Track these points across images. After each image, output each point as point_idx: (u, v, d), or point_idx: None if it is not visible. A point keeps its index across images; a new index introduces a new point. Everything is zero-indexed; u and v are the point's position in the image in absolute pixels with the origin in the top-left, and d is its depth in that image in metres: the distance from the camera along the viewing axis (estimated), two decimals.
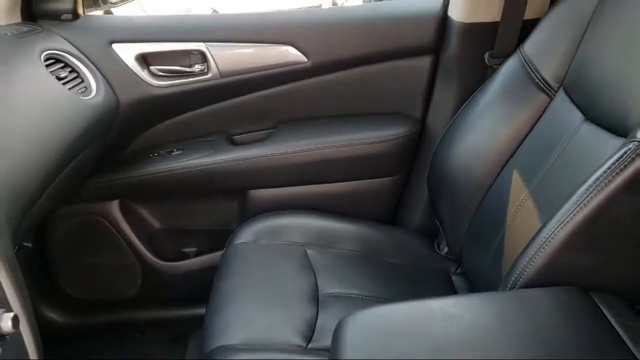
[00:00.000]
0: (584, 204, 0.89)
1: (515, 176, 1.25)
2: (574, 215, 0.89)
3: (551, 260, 0.91)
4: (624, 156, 0.86)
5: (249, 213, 1.58)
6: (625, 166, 0.86)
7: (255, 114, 1.62)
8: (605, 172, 0.88)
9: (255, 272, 1.32)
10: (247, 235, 1.45)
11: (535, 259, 0.91)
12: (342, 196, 1.62)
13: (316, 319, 1.18)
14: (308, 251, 1.41)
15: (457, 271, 1.44)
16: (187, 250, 1.74)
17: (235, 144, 1.63)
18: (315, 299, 1.24)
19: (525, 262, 0.92)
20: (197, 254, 1.71)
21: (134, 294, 1.70)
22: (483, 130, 1.36)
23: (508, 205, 1.19)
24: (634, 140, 0.87)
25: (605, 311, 0.83)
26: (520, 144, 1.28)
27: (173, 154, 1.61)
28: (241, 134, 1.65)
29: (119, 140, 1.56)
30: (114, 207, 1.63)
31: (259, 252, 1.40)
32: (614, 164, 0.87)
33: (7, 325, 0.79)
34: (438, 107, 1.57)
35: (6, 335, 0.80)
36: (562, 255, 0.90)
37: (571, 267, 0.91)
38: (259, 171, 1.58)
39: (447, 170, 1.41)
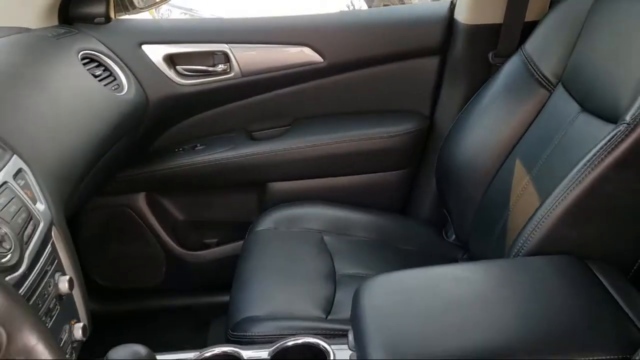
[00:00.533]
0: (578, 182, 0.98)
1: (518, 165, 1.34)
2: (569, 192, 0.99)
3: (549, 234, 1.00)
4: (614, 138, 0.96)
5: (268, 205, 1.67)
6: (615, 146, 0.96)
7: (273, 111, 1.72)
8: (597, 152, 0.97)
9: (276, 255, 1.41)
10: (267, 223, 1.55)
11: (534, 233, 1.01)
12: (355, 188, 1.71)
13: (334, 295, 1.27)
14: (325, 237, 1.50)
15: (464, 257, 1.52)
16: (208, 241, 1.83)
17: (254, 139, 1.73)
18: (333, 278, 1.33)
19: (525, 236, 1.02)
20: (217, 244, 1.81)
21: (158, 282, 1.80)
22: (487, 125, 1.45)
23: (511, 192, 1.28)
24: (623, 123, 0.96)
25: (599, 276, 0.92)
26: (522, 135, 1.36)
27: (196, 149, 1.71)
28: (260, 130, 1.75)
29: (147, 136, 1.66)
30: (141, 199, 1.73)
31: (278, 238, 1.49)
32: (604, 145, 0.97)
33: (64, 286, 0.89)
34: (445, 104, 1.66)
35: (63, 295, 0.91)
36: (559, 229, 1.00)
37: (568, 239, 1.00)
38: (276, 165, 1.68)
39: (453, 162, 1.50)
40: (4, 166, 0.90)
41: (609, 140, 0.97)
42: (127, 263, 1.79)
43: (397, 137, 1.66)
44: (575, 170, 0.99)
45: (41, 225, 0.89)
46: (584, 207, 0.99)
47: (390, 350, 0.80)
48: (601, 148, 0.97)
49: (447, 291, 0.90)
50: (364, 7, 3.00)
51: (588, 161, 0.98)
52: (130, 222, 1.74)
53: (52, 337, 0.59)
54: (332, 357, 0.97)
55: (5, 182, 0.87)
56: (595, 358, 0.74)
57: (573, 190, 0.99)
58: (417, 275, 0.97)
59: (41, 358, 0.56)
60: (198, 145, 1.72)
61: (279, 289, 1.27)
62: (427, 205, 1.71)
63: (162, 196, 1.76)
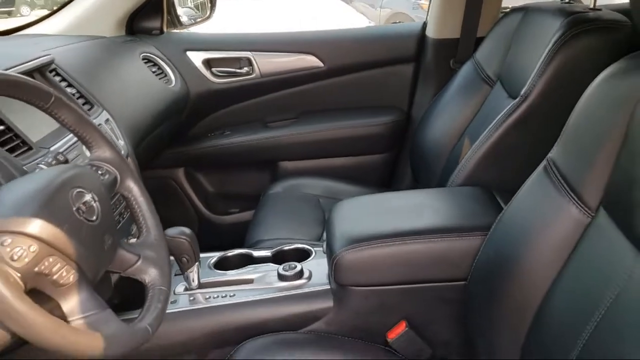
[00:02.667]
0: (489, 137, 1.38)
1: (466, 141, 1.72)
2: (483, 144, 1.39)
3: (469, 174, 1.40)
4: (512, 106, 1.36)
5: (278, 179, 2.08)
6: (513, 111, 1.36)
7: (284, 105, 2.14)
8: (501, 116, 1.37)
9: (282, 208, 1.81)
10: (276, 189, 1.96)
11: (459, 174, 1.41)
12: (348, 167, 2.11)
13: (322, 234, 1.67)
14: (320, 200, 1.90)
15: None
16: (231, 210, 2.24)
17: (268, 127, 2.15)
18: (323, 222, 1.73)
19: (454, 176, 1.42)
20: (238, 211, 2.21)
21: None
22: (448, 114, 1.84)
23: (460, 157, 1.67)
24: (519, 97, 1.36)
25: (497, 197, 1.30)
26: (472, 120, 1.75)
27: (224, 134, 2.14)
28: (273, 120, 2.17)
29: (187, 122, 2.09)
30: (181, 173, 2.16)
31: (285, 198, 1.90)
32: (506, 111, 1.37)
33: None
34: (419, 101, 2.07)
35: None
36: (475, 170, 1.39)
37: (482, 178, 1.39)
38: (286, 147, 2.10)
39: (423, 144, 1.89)
40: (98, 115, 1.33)
41: (510, 109, 1.37)
42: (168, 224, 2.20)
43: (381, 126, 2.07)
44: (487, 129, 1.40)
45: (122, 152, 1.31)
46: (493, 154, 1.38)
47: (345, 237, 1.19)
48: (505, 114, 1.38)
49: (392, 203, 1.30)
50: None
51: (496, 123, 1.38)
52: (172, 191, 2.16)
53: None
54: (313, 254, 1.36)
55: (100, 124, 1.30)
56: (468, 234, 1.13)
57: (485, 143, 1.39)
58: (373, 197, 1.37)
59: (138, 196, 0.96)
60: (226, 131, 2.14)
61: (283, 226, 1.67)
62: (405, 182, 2.10)
63: (196, 171, 2.19)
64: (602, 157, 0.88)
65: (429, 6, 2.03)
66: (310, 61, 2.06)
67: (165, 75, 1.94)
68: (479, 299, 1.08)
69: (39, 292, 0.70)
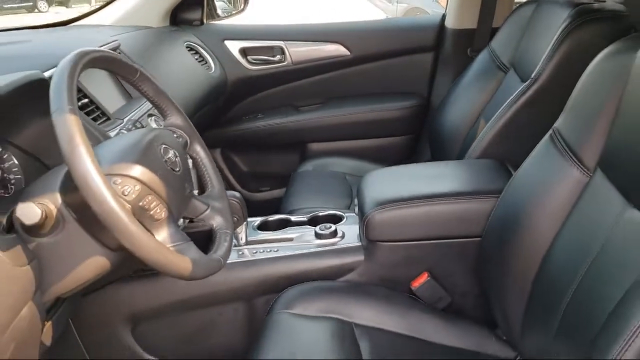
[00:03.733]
0: (502, 115, 1.53)
1: (481, 123, 1.87)
2: (497, 122, 1.54)
3: (485, 148, 1.55)
4: (523, 88, 1.51)
5: (307, 159, 2.24)
6: (524, 93, 1.50)
7: (313, 90, 2.30)
8: (514, 97, 1.52)
9: (312, 183, 1.98)
10: (306, 167, 2.12)
11: (476, 148, 1.56)
12: (371, 148, 2.27)
13: (351, 201, 1.83)
14: (347, 177, 2.06)
15: None
16: (263, 188, 2.41)
17: (299, 111, 2.31)
18: (350, 195, 1.89)
19: (471, 150, 1.57)
20: (269, 189, 2.38)
21: None
22: (465, 98, 1.98)
23: (476, 134, 1.82)
24: (530, 79, 1.50)
25: (509, 168, 1.45)
26: (487, 104, 1.90)
27: (258, 117, 2.30)
28: (303, 105, 2.33)
29: (225, 106, 2.26)
30: (217, 154, 2.33)
31: (314, 175, 2.06)
32: (518, 92, 1.52)
33: None
34: (438, 87, 2.22)
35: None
36: (490, 145, 1.54)
37: (495, 152, 1.54)
38: (314, 129, 2.26)
39: (441, 127, 2.04)
40: None
41: (521, 90, 1.52)
42: None
43: (402, 110, 2.23)
44: (500, 109, 1.55)
45: None
46: (505, 131, 1.53)
47: (374, 200, 1.35)
48: (517, 95, 1.52)
49: (416, 172, 1.46)
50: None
51: (509, 102, 1.53)
52: None
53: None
54: (345, 218, 1.52)
55: None
56: (483, 197, 1.28)
57: (499, 121, 1.54)
58: (398, 168, 1.53)
59: (204, 157, 1.13)
60: (259, 114, 2.31)
61: (314, 198, 1.83)
62: (424, 161, 2.25)
63: (232, 152, 2.36)
64: (599, 124, 1.03)
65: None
66: (338, 50, 2.21)
67: (206, 63, 2.10)
68: (491, 252, 1.23)
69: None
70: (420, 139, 2.29)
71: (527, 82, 1.51)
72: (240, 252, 1.39)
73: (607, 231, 0.94)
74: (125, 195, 0.83)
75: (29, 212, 0.79)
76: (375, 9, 7.06)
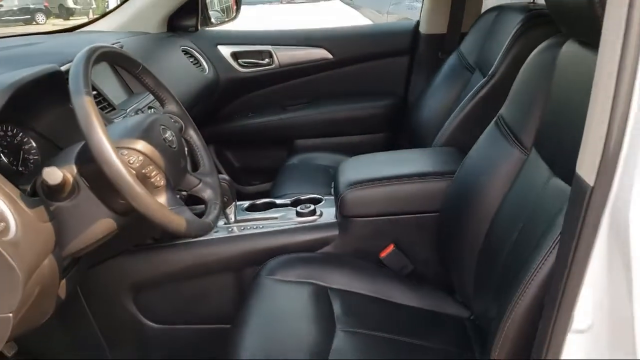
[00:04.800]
0: (464, 108, 1.71)
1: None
2: (458, 114, 1.71)
3: (448, 137, 1.73)
4: (481, 83, 1.68)
5: (294, 154, 2.41)
6: (482, 87, 1.68)
7: (299, 91, 2.47)
8: (473, 92, 1.70)
9: (297, 174, 2.14)
10: (292, 161, 2.29)
11: (441, 137, 1.74)
12: (353, 144, 2.44)
13: (331, 189, 1.99)
14: (330, 169, 2.22)
15: None
16: (254, 182, 2.58)
17: (286, 110, 2.48)
18: (330, 184, 2.05)
19: (436, 140, 1.75)
20: (260, 183, 2.55)
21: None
22: (436, 97, 2.16)
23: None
24: (487, 76, 1.68)
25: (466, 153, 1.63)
26: (455, 101, 2.07)
27: (248, 116, 2.48)
28: (290, 104, 2.50)
29: (217, 105, 2.43)
30: (211, 149, 2.49)
31: (300, 167, 2.23)
32: (477, 87, 1.69)
33: None
34: (413, 87, 2.40)
35: None
36: (453, 135, 1.72)
37: (457, 140, 1.71)
38: (300, 126, 2.43)
39: (417, 123, 2.22)
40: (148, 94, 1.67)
41: (479, 86, 1.70)
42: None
43: (382, 108, 2.41)
44: (462, 102, 1.72)
45: None
46: (466, 122, 1.70)
47: (348, 181, 1.52)
48: (475, 90, 1.70)
49: (385, 159, 1.64)
50: None
51: (469, 97, 1.71)
52: None
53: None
54: (323, 200, 1.68)
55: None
56: (439, 177, 1.46)
57: (460, 113, 1.72)
58: (370, 155, 1.71)
59: (196, 140, 1.29)
60: (249, 113, 2.48)
61: (298, 186, 1.98)
62: None
63: (225, 148, 2.52)
64: (534, 110, 1.20)
65: (421, 6, 2.36)
66: (322, 54, 2.39)
67: (200, 65, 2.28)
68: (448, 225, 1.40)
69: None
70: (398, 135, 2.46)
71: (484, 79, 1.69)
72: (229, 229, 1.56)
73: (536, 197, 1.11)
74: (131, 164, 1.00)
75: (52, 174, 0.96)
76: (365, 20, 7.25)
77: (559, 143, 1.10)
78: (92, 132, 0.92)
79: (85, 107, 0.93)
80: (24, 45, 1.61)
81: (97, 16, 2.34)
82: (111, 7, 6.70)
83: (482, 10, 2.29)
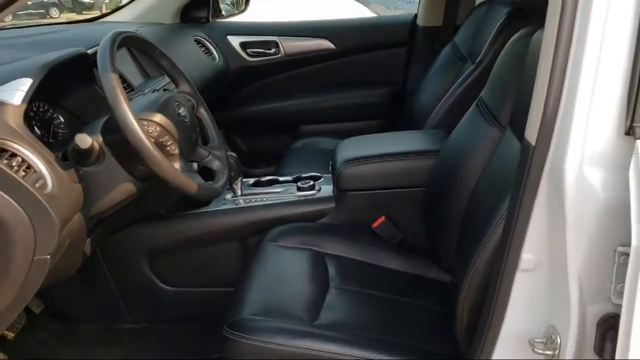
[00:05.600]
0: (454, 93, 1.84)
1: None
2: (449, 99, 1.84)
3: (438, 120, 1.87)
4: (468, 71, 1.81)
5: (298, 139, 2.54)
6: (469, 74, 1.81)
7: (304, 79, 2.61)
8: (462, 78, 1.82)
9: (301, 157, 2.28)
10: (297, 145, 2.42)
11: (432, 120, 1.87)
12: (354, 129, 2.53)
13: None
14: (330, 152, 2.35)
15: None
16: (260, 165, 2.71)
17: (291, 97, 2.61)
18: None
19: (427, 122, 1.88)
20: (267, 165, 2.68)
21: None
22: (431, 86, 2.27)
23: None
24: (474, 63, 1.81)
25: None
26: (447, 90, 2.19)
27: (256, 102, 2.61)
28: (295, 92, 2.63)
29: (227, 92, 2.56)
30: (221, 135, 2.62)
31: (304, 151, 2.36)
32: (467, 74, 1.82)
33: None
34: (411, 76, 2.53)
35: None
36: (443, 118, 1.85)
37: (447, 123, 1.82)
38: (305, 112, 2.57)
39: (414, 110, 2.34)
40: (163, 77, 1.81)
41: (468, 73, 1.83)
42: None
43: (381, 96, 2.54)
44: (452, 88, 1.85)
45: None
46: (455, 106, 1.83)
47: (344, 158, 1.66)
48: (464, 76, 1.83)
49: (378, 139, 1.77)
50: None
51: (458, 83, 1.84)
52: None
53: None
54: (322, 178, 1.82)
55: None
56: (425, 155, 1.59)
57: (450, 97, 1.85)
58: (365, 136, 1.84)
59: (207, 118, 1.43)
60: (257, 100, 2.62)
61: (300, 166, 2.12)
62: None
63: (233, 134, 2.66)
64: (509, 92, 1.33)
65: (419, 1, 2.49)
66: (325, 44, 2.52)
67: (211, 54, 2.41)
68: (433, 197, 1.54)
69: None
70: (396, 121, 2.59)
71: (472, 67, 1.82)
72: (236, 202, 1.70)
73: (507, 171, 1.23)
74: (150, 133, 1.15)
75: (83, 140, 1.10)
76: (373, 15, 7.34)
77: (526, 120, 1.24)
78: (117, 105, 1.06)
79: (112, 83, 1.07)
80: (48, 32, 1.76)
81: (112, 9, 2.48)
82: (124, 1, 6.84)
83: (475, 4, 2.41)
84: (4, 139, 0.99)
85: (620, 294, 0.76)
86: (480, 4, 2.16)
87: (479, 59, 1.81)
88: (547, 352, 0.85)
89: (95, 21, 2.34)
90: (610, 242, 0.79)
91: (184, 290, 1.73)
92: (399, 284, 1.47)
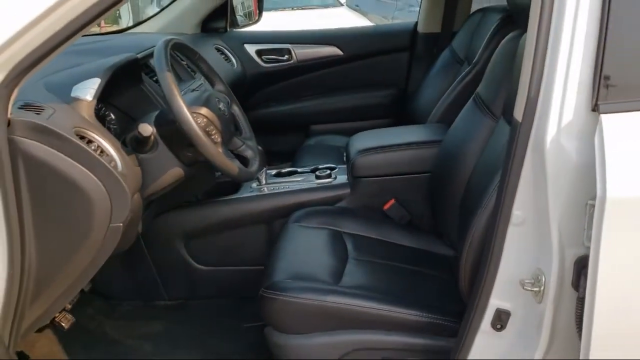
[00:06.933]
0: (452, 91, 2.03)
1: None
2: (449, 96, 2.04)
3: (440, 116, 2.05)
4: (466, 71, 2.01)
5: (309, 137, 2.73)
6: (467, 74, 2.01)
7: (314, 83, 2.80)
8: (460, 78, 2.02)
9: (313, 152, 2.47)
10: (309, 142, 2.62)
11: (435, 115, 2.07)
12: (361, 128, 2.70)
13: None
14: (340, 149, 2.55)
15: None
16: (273, 163, 2.90)
17: (303, 99, 2.81)
18: (342, 160, 2.38)
19: (431, 116, 2.07)
20: (280, 163, 2.87)
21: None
22: (431, 88, 2.47)
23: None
24: (473, 64, 2.01)
25: None
26: (445, 91, 2.38)
27: (270, 104, 2.81)
28: (306, 95, 2.83)
29: (245, 95, 2.75)
30: None
31: (315, 148, 2.55)
32: (465, 74, 2.01)
33: None
34: (412, 79, 2.72)
35: None
36: (444, 113, 2.04)
37: (447, 118, 2.02)
38: (315, 113, 2.76)
39: (415, 110, 2.53)
40: (195, 82, 2.01)
41: (465, 73, 2.03)
42: None
43: (385, 97, 2.74)
44: (452, 85, 2.05)
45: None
46: (455, 102, 2.02)
47: (358, 148, 1.85)
48: (462, 76, 2.03)
49: (388, 132, 1.97)
50: None
51: (457, 81, 2.03)
52: None
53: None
54: (337, 168, 2.01)
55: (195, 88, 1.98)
56: (429, 145, 1.78)
57: (450, 95, 2.04)
58: (375, 130, 2.04)
59: (240, 115, 1.63)
60: (272, 103, 2.82)
61: (315, 160, 2.31)
62: None
63: None
64: (502, 87, 1.52)
65: (419, 9, 2.70)
66: (333, 51, 2.73)
67: (230, 61, 2.61)
68: (437, 182, 1.73)
69: None
70: (399, 121, 2.78)
71: (469, 67, 2.02)
72: (261, 189, 1.90)
73: (500, 154, 1.42)
74: (198, 123, 1.34)
75: (145, 128, 1.29)
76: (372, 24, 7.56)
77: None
78: (173, 99, 1.26)
79: (168, 80, 1.27)
80: (94, 42, 1.95)
81: (135, 22, 2.67)
82: (123, 15, 7.13)
83: (471, 12, 2.61)
84: (83, 128, 1.19)
85: (590, 238, 0.95)
86: (475, 12, 2.36)
87: (475, 60, 2.01)
88: (535, 289, 1.04)
89: (126, 32, 2.54)
90: (583, 197, 0.98)
91: (216, 269, 1.92)
92: (409, 256, 1.65)
